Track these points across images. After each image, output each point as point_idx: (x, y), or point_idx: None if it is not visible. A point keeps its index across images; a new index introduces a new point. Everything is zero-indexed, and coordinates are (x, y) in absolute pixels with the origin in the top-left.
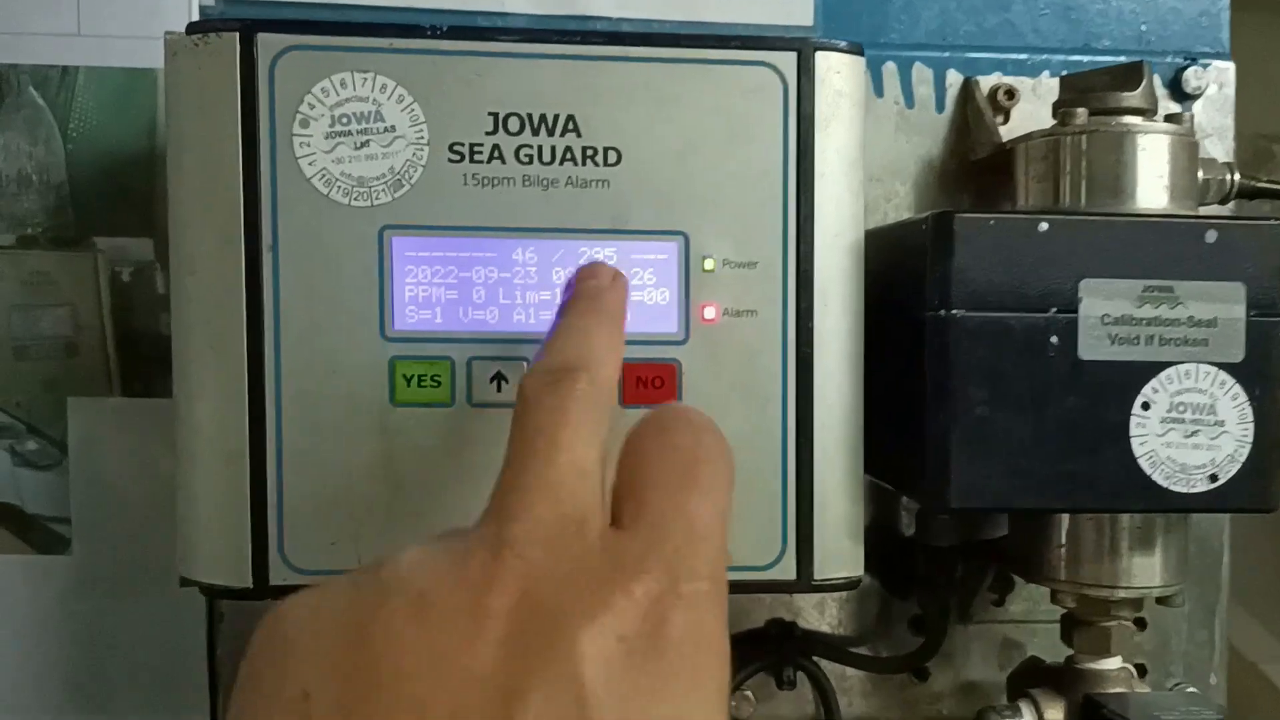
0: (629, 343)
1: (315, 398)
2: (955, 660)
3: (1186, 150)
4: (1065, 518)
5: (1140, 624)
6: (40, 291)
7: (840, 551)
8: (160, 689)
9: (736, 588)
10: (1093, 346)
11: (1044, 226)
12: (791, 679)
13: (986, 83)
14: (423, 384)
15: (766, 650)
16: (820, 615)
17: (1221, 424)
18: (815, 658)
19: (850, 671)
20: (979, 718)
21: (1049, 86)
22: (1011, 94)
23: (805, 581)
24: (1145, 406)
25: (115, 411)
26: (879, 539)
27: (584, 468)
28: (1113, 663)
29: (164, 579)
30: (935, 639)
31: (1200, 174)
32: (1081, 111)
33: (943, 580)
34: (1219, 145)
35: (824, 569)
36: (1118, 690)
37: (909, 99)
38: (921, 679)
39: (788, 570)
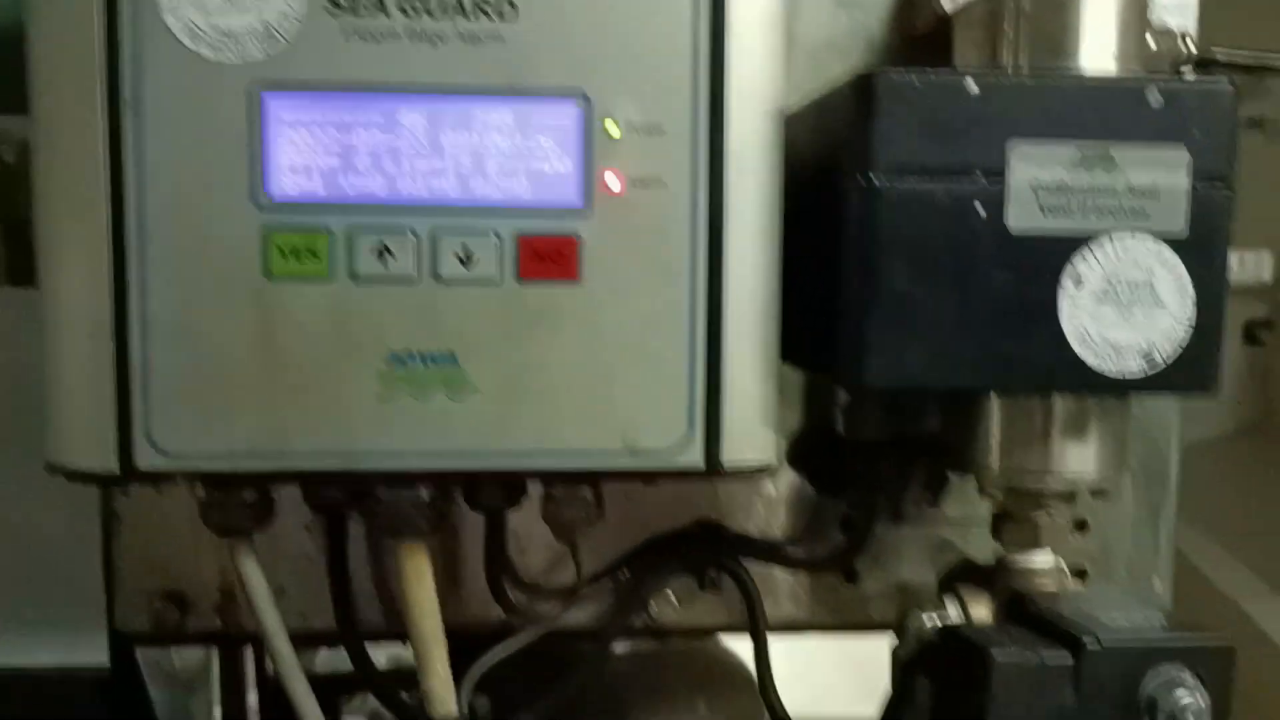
0: (527, 215)
1: (184, 268)
2: (886, 563)
3: (1136, 14)
4: (996, 405)
5: (1081, 526)
6: None
7: (751, 435)
8: (54, 591)
9: (640, 477)
10: (1022, 216)
11: (973, 88)
12: (715, 580)
13: None
14: (300, 257)
15: (690, 551)
16: (747, 518)
17: (1159, 301)
18: (741, 559)
19: (778, 575)
20: (903, 618)
21: None
22: None
23: (713, 466)
24: (1077, 282)
25: (3, 302)
26: (813, 439)
27: None
28: (1044, 559)
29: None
30: (862, 535)
31: (1152, 42)
32: None
33: (870, 475)
34: (1177, 16)
35: (733, 453)
36: (1049, 589)
37: None
38: (851, 580)
39: (694, 454)
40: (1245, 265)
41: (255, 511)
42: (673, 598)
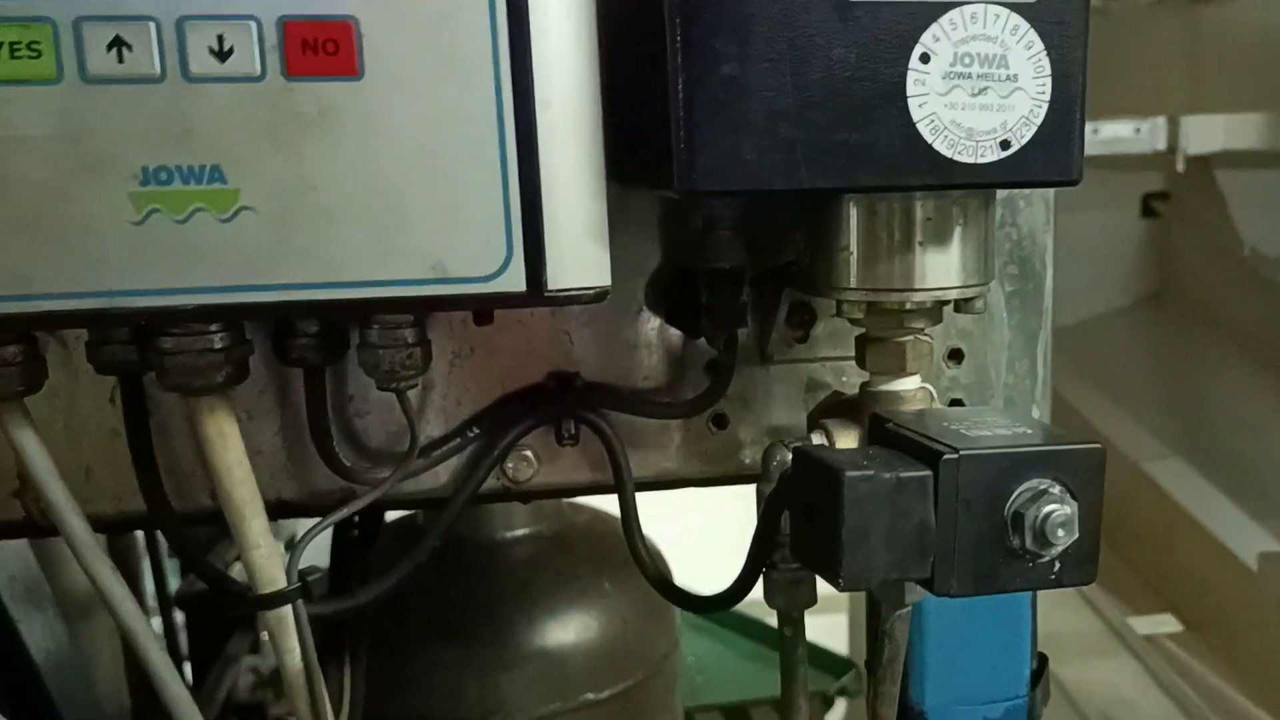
0: None
1: None
2: (756, 406)
3: None
4: (853, 218)
5: (956, 356)
6: None
7: (580, 256)
8: None
9: (453, 303)
10: None
11: None
12: (573, 433)
13: None
14: (17, 53)
15: (544, 405)
16: (604, 369)
17: (1014, 78)
18: (602, 410)
19: (644, 426)
20: (767, 453)
21: None
22: None
23: (537, 292)
24: (925, 59)
25: None
26: (672, 277)
27: None
28: (909, 383)
29: None
30: (725, 374)
31: None
32: None
33: (726, 303)
34: None
35: (560, 277)
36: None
37: None
38: (721, 427)
39: (515, 280)
40: (1141, 134)
41: (23, 371)
42: (531, 456)
